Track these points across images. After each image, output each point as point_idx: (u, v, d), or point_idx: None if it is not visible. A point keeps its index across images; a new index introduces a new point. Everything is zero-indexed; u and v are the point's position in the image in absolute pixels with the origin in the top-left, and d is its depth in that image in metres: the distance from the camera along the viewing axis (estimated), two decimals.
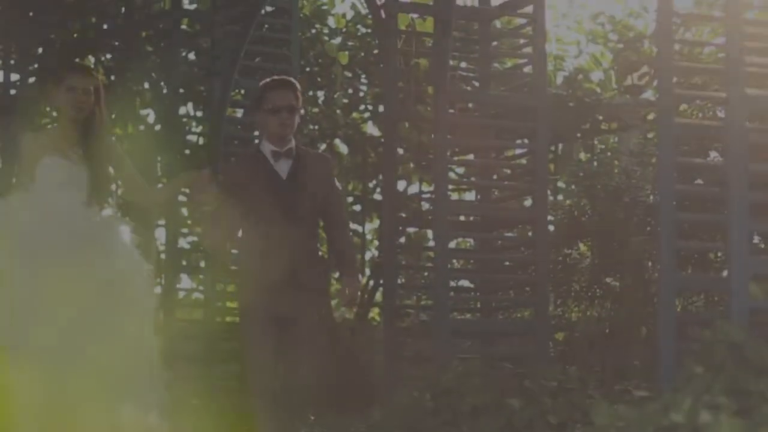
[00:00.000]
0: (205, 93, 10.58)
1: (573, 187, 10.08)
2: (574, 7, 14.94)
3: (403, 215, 8.78)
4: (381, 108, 12.09)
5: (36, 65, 10.79)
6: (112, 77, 10.88)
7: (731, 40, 5.99)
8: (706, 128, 7.41)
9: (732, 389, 3.95)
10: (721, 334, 4.28)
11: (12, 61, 10.79)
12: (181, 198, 10.01)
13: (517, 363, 8.30)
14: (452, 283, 8.77)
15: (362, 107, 13.23)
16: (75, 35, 10.97)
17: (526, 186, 8.73)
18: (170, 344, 6.92)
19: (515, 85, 9.01)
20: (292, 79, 6.50)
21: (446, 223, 8.10)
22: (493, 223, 8.93)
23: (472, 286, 9.52)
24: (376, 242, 13.90)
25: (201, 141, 10.78)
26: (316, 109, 12.48)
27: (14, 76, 10.80)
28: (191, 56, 11.14)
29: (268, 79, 6.47)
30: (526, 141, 9.22)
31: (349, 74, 12.69)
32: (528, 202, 9.64)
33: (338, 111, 12.63)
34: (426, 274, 9.54)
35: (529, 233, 8.99)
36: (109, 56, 11.22)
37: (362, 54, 12.69)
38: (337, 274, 8.03)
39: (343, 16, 12.89)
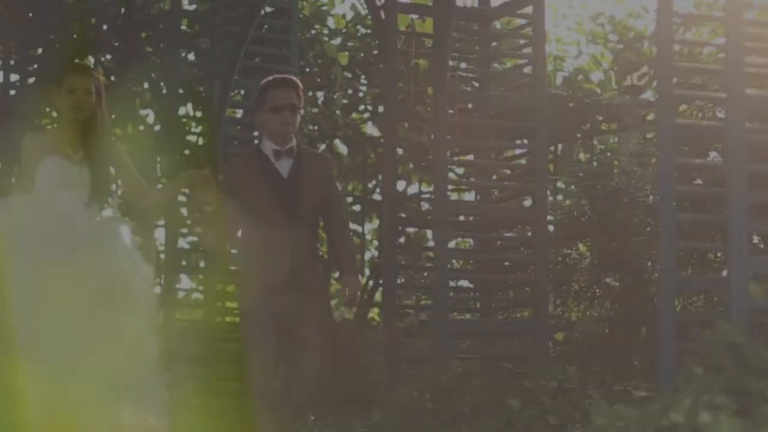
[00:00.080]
0: (204, 93, 10.59)
1: (573, 187, 10.08)
2: (573, 8, 14.95)
3: (403, 215, 8.79)
4: (381, 108, 12.10)
5: (36, 66, 10.80)
6: (112, 78, 10.89)
7: (731, 41, 5.99)
8: (705, 128, 7.41)
9: (732, 389, 3.95)
10: (720, 334, 4.28)
11: (12, 62, 10.81)
12: (181, 198, 10.03)
13: (517, 363, 8.30)
14: (452, 283, 8.78)
15: (362, 108, 13.24)
16: (75, 36, 10.98)
17: (526, 186, 8.74)
18: (170, 344, 6.93)
19: (515, 85, 9.02)
20: (294, 78, 6.49)
21: (446, 224, 8.11)
22: (493, 223, 8.93)
23: (471, 286, 9.52)
24: (375, 242, 13.91)
25: (201, 141, 10.80)
26: (315, 110, 12.49)
27: (14, 77, 10.81)
28: (191, 57, 11.16)
29: (270, 78, 6.45)
30: (525, 141, 9.23)
31: (349, 75, 12.70)
32: (528, 203, 9.65)
33: (338, 111, 12.64)
34: (426, 274, 9.55)
35: (529, 233, 9.00)
36: (108, 57, 11.24)
37: (362, 54, 12.70)
38: (337, 274, 8.04)
39: (343, 16, 12.90)
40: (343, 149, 13.50)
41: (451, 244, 8.86)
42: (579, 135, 13.13)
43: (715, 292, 8.47)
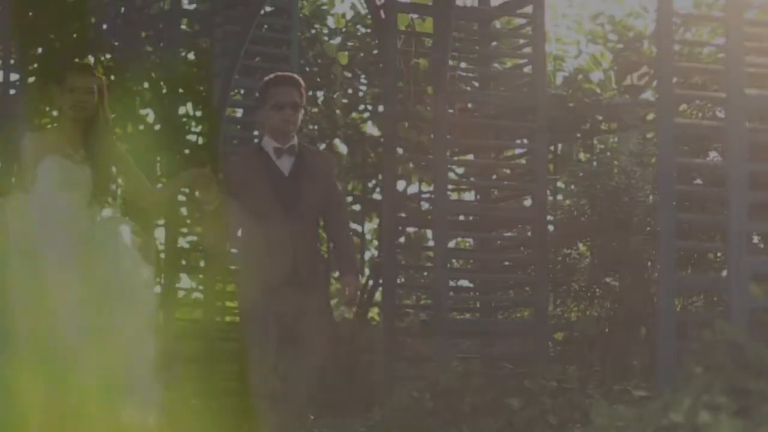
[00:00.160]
0: (204, 93, 10.58)
1: (572, 187, 10.08)
2: (573, 8, 14.96)
3: (403, 215, 8.79)
4: (380, 108, 12.10)
5: (35, 65, 10.79)
6: (112, 77, 10.87)
7: (731, 41, 5.99)
8: (705, 128, 7.41)
9: (731, 389, 3.95)
10: (720, 334, 4.28)
11: (11, 61, 10.79)
12: (181, 198, 10.02)
13: (517, 363, 8.30)
14: (452, 283, 8.78)
15: (362, 107, 13.25)
16: (74, 35, 10.96)
17: (526, 186, 8.74)
18: (170, 344, 6.92)
19: (515, 85, 9.02)
20: (296, 76, 6.48)
21: (446, 223, 8.11)
22: (493, 223, 8.93)
23: (471, 285, 9.53)
24: (375, 242, 13.92)
25: (201, 141, 10.78)
26: (315, 109, 12.50)
27: (14, 76, 10.80)
28: (191, 56, 11.16)
29: (272, 75, 6.43)
30: (525, 141, 9.23)
31: (349, 74, 12.71)
32: (527, 202, 9.66)
33: (338, 111, 12.65)
34: (425, 273, 9.55)
35: (529, 233, 9.00)
36: (108, 56, 11.22)
37: (362, 54, 12.71)
38: (336, 274, 8.03)
39: (343, 16, 12.91)
40: (343, 149, 13.51)
41: (451, 244, 8.87)
42: (579, 135, 13.15)
43: (714, 291, 8.47)
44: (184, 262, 10.65)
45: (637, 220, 9.12)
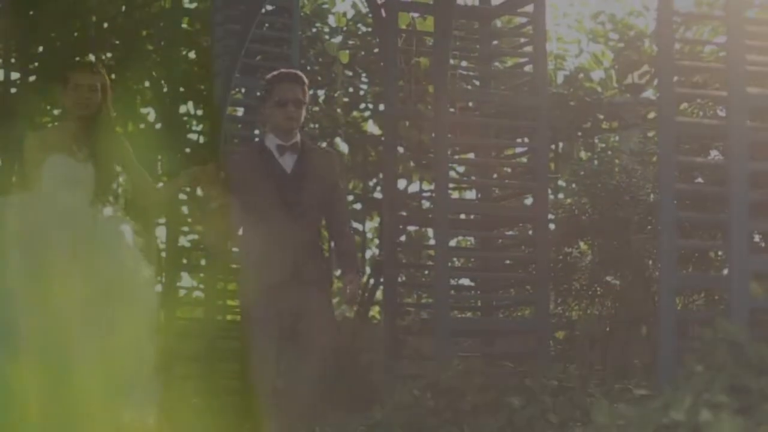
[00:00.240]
0: (205, 92, 10.58)
1: (573, 185, 10.07)
2: (574, 6, 14.95)
3: (404, 214, 8.79)
4: (381, 107, 12.11)
5: (36, 64, 10.80)
6: (113, 76, 10.88)
7: (732, 39, 5.99)
8: (706, 127, 7.40)
9: (732, 388, 3.96)
10: (721, 333, 4.28)
11: (12, 60, 10.80)
12: (182, 196, 10.02)
13: (518, 361, 8.30)
14: (453, 282, 8.78)
15: (363, 106, 13.25)
16: (75, 34, 10.97)
17: (527, 185, 8.73)
18: (171, 343, 6.93)
19: (516, 84, 9.01)
20: (299, 73, 6.47)
21: (447, 222, 8.10)
22: (494, 221, 8.93)
23: (472, 284, 9.52)
24: (376, 240, 13.92)
25: (201, 139, 10.79)
26: (316, 108, 12.49)
27: (14, 75, 10.81)
28: (192, 55, 11.16)
29: (275, 72, 6.42)
30: (526, 140, 9.22)
31: (350, 73, 12.71)
32: (528, 201, 9.65)
33: (339, 110, 12.65)
34: (426, 272, 9.55)
35: (530, 232, 8.99)
36: (109, 55, 11.23)
37: (363, 53, 12.70)
38: (338, 272, 8.04)
39: (344, 14, 12.90)
40: (343, 147, 13.51)
41: (452, 243, 8.86)
42: (580, 133, 13.14)
43: (715, 290, 8.47)
44: (185, 261, 10.65)
45: (638, 219, 9.11)
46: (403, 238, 9.13)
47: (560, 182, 12.56)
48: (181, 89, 10.56)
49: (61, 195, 5.90)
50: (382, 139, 11.20)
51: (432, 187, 9.32)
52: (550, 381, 6.51)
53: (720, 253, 8.42)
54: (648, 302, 8.96)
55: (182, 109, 10.92)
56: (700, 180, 8.52)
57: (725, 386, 3.95)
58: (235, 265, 9.82)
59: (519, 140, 9.75)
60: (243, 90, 10.75)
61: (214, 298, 10.15)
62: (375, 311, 13.27)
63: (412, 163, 9.67)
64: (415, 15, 9.08)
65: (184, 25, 10.93)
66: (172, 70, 10.38)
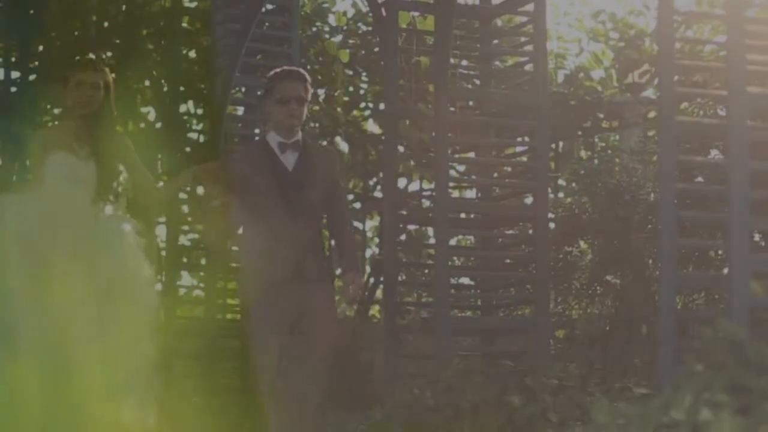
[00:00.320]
0: (205, 91, 10.58)
1: (574, 184, 10.08)
2: (575, 5, 14.96)
3: (404, 213, 8.79)
4: (382, 106, 12.11)
5: (37, 63, 10.80)
6: (113, 75, 10.87)
7: (732, 38, 5.99)
8: (707, 126, 7.40)
9: (732, 387, 3.96)
10: (721, 332, 4.28)
11: (12, 59, 10.79)
12: (182, 195, 10.02)
13: (518, 360, 8.31)
14: (453, 281, 8.78)
15: (363, 105, 13.25)
16: (76, 33, 10.97)
17: (527, 184, 8.73)
18: (171, 341, 6.93)
19: (516, 83, 9.02)
20: (302, 71, 6.45)
21: (447, 221, 8.10)
22: (494, 220, 8.93)
23: (472, 283, 9.52)
24: (376, 239, 13.92)
25: (202, 139, 10.79)
26: (316, 107, 12.49)
27: (15, 74, 10.80)
28: (192, 54, 11.15)
29: (278, 69, 6.40)
30: (526, 139, 9.23)
31: (350, 72, 12.71)
32: (529, 200, 9.65)
33: (339, 109, 12.65)
34: (427, 271, 9.55)
35: (530, 231, 8.99)
36: (109, 54, 11.22)
37: (363, 52, 12.70)
38: (338, 270, 8.03)
39: (344, 14, 12.90)
40: (344, 147, 13.51)
41: (452, 242, 8.87)
42: (580, 132, 13.15)
43: (715, 289, 8.47)
44: (185, 260, 10.65)
45: (638, 218, 9.12)
46: (403, 237, 9.13)
47: (560, 181, 12.56)
48: (182, 88, 10.56)
49: (62, 193, 5.89)
50: (383, 138, 11.19)
51: (432, 186, 9.31)
52: (550, 380, 6.52)
53: (720, 252, 8.43)
54: (648, 301, 8.97)
55: (182, 108, 10.92)
56: (700, 179, 8.53)
57: (725, 385, 3.95)
58: (235, 264, 9.83)
59: (519, 139, 9.76)
60: (243, 89, 10.75)
61: (214, 297, 10.15)
62: (375, 310, 13.28)
63: (412, 162, 9.65)
64: (416, 14, 9.09)
65: (184, 24, 10.92)
66: (172, 69, 10.38)
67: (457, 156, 9.19)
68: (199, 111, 11.15)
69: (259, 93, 10.17)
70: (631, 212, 9.11)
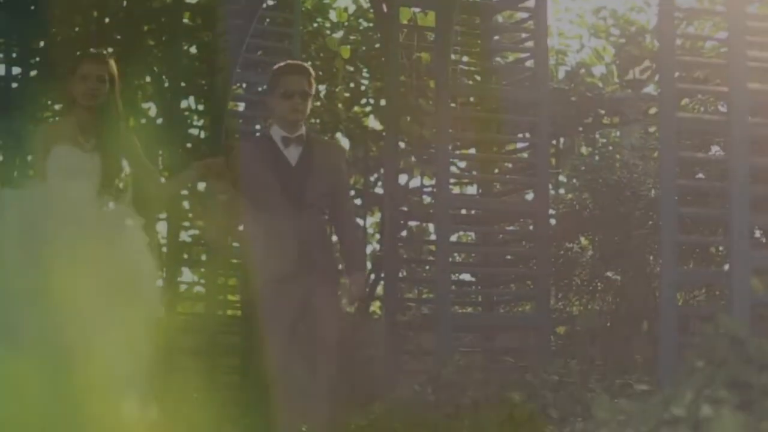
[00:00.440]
0: (206, 87, 10.58)
1: (574, 181, 10.08)
2: (576, 2, 14.96)
3: (405, 209, 8.80)
4: (383, 102, 12.10)
5: (38, 59, 10.79)
6: None
7: (733, 35, 5.99)
8: (707, 123, 7.41)
9: (733, 383, 3.95)
10: (722, 328, 4.28)
11: (13, 55, 10.79)
12: (183, 191, 10.02)
13: (519, 357, 8.32)
14: (453, 277, 8.79)
15: (364, 101, 13.24)
16: (77, 29, 10.97)
17: (528, 180, 8.74)
18: (172, 338, 6.92)
19: (517, 79, 9.02)
20: (306, 65, 6.44)
21: (448, 217, 8.11)
22: (495, 216, 8.94)
23: (473, 279, 9.53)
24: (377, 236, 13.92)
25: (203, 134, 10.79)
26: (317, 103, 12.48)
27: (16, 70, 10.80)
28: (193, 50, 11.15)
29: (282, 63, 6.39)
30: (527, 135, 9.23)
31: (351, 68, 12.70)
32: (529, 196, 9.65)
33: (340, 105, 12.64)
34: (427, 267, 9.57)
35: (531, 227, 9.00)
36: (110, 50, 11.22)
37: (364, 48, 12.69)
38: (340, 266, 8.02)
39: (345, 9, 12.89)
40: (344, 143, 13.50)
41: (453, 238, 8.87)
42: (581, 129, 13.14)
43: (716, 285, 8.48)
44: (186, 256, 10.65)
45: (639, 214, 9.12)
46: (404, 233, 9.14)
47: (561, 177, 12.56)
48: (183, 84, 10.56)
49: (65, 187, 5.89)
50: (383, 134, 11.20)
51: (433, 182, 9.31)
52: (551, 376, 6.52)
53: (721, 248, 8.43)
54: (649, 298, 8.97)
55: (183, 104, 10.91)
56: (701, 175, 8.53)
57: (726, 382, 3.95)
58: (235, 261, 9.83)
59: (520, 135, 9.76)
60: (244, 85, 10.75)
61: (214, 294, 10.16)
62: (376, 306, 13.27)
63: (413, 158, 9.66)
64: (417, 10, 9.09)
65: (185, 20, 10.92)
66: (173, 65, 10.38)
67: (457, 152, 9.20)
68: (200, 107, 11.14)
69: (259, 89, 10.18)
70: (632, 208, 9.11)
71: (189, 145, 10.57)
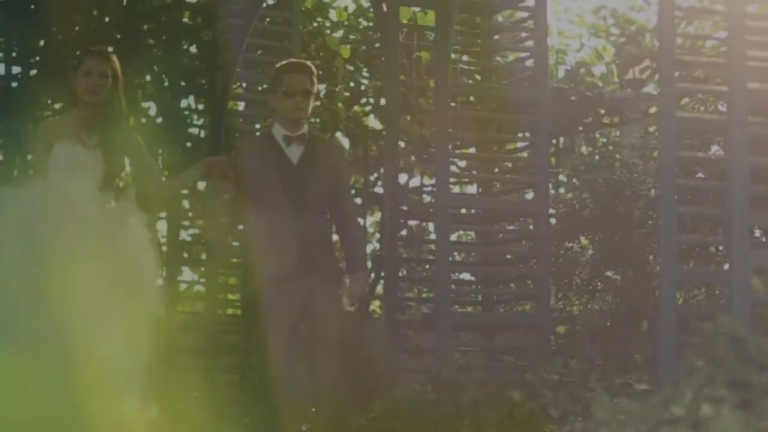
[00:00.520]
0: (206, 86, 10.58)
1: (574, 180, 10.08)
2: (575, 1, 14.97)
3: (405, 208, 8.80)
4: (382, 101, 12.09)
5: (38, 58, 10.79)
6: None
7: (733, 34, 5.99)
8: (707, 122, 7.41)
9: (733, 382, 3.96)
10: (722, 328, 4.28)
11: (13, 54, 10.79)
12: (183, 191, 10.02)
13: (519, 356, 8.32)
14: (453, 276, 8.79)
15: (364, 100, 13.23)
16: (77, 28, 10.96)
17: (528, 179, 8.74)
18: (172, 336, 6.92)
19: (517, 78, 9.02)
20: (308, 63, 6.43)
21: (447, 216, 8.11)
22: (495, 216, 8.94)
23: (473, 279, 9.53)
24: (377, 235, 13.91)
25: (203, 134, 10.78)
26: (317, 103, 12.48)
27: (15, 69, 10.80)
28: (193, 49, 11.14)
29: (284, 62, 6.39)
30: (527, 134, 9.23)
31: (351, 67, 12.69)
32: (529, 196, 9.65)
33: (340, 104, 12.64)
34: (427, 266, 9.57)
35: (531, 226, 9.00)
36: (110, 49, 11.20)
37: (364, 47, 12.69)
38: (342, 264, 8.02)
39: (345, 9, 12.89)
40: (344, 142, 13.50)
41: (453, 237, 8.87)
42: (581, 128, 13.14)
43: (716, 285, 8.49)
44: (185, 255, 10.65)
45: (638, 214, 9.12)
46: (404, 232, 9.14)
47: (561, 177, 12.56)
48: (183, 83, 10.55)
49: (67, 184, 5.88)
50: (383, 133, 11.20)
51: (433, 181, 9.31)
52: (551, 375, 6.52)
53: (721, 248, 8.43)
54: (649, 297, 8.97)
55: (183, 103, 10.90)
56: (700, 175, 8.54)
57: (726, 381, 3.95)
58: (236, 259, 9.83)
59: (520, 135, 9.76)
60: (244, 84, 10.75)
61: (214, 292, 10.16)
62: (376, 305, 13.27)
63: (413, 158, 9.66)
64: (417, 9, 9.09)
65: (185, 20, 10.91)
66: (173, 64, 10.37)
67: (457, 151, 9.20)
68: (200, 106, 11.14)
69: (260, 88, 10.18)
70: (632, 208, 9.11)
71: (189, 144, 10.57)
